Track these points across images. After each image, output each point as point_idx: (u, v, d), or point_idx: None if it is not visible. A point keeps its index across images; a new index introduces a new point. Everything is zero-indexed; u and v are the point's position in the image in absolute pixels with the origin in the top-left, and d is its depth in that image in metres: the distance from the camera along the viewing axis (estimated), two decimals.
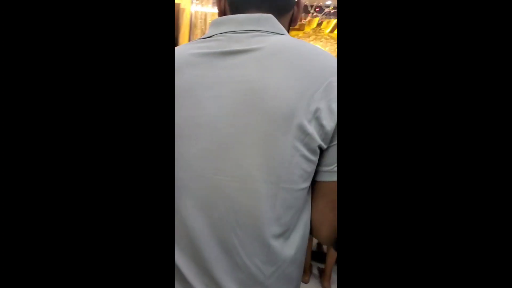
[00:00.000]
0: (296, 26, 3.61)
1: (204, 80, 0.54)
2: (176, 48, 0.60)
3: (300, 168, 0.52)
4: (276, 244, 0.54)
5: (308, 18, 3.59)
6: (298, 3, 0.63)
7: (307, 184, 0.55)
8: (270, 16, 0.57)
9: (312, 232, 0.61)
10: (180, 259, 0.56)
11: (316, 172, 0.56)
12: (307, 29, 3.78)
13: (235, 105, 0.52)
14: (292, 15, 0.63)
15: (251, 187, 0.52)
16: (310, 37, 3.78)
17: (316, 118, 0.51)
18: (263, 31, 0.56)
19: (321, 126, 0.51)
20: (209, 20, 3.57)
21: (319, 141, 0.52)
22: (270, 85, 0.51)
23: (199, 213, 0.54)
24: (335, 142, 0.53)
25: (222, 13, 0.64)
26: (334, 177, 0.55)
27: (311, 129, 0.51)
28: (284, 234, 0.55)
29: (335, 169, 0.54)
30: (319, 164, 0.55)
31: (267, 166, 0.51)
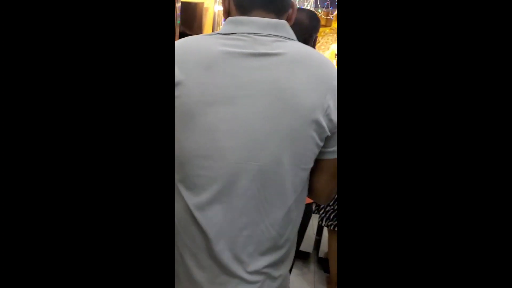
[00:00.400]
0: (323, 22, 3.53)
1: (238, 79, 0.64)
2: (200, 37, 0.69)
3: (313, 152, 0.69)
4: (290, 211, 0.70)
5: (335, 12, 3.44)
6: (292, 5, 0.73)
7: (313, 163, 0.72)
8: (285, 22, 0.69)
9: (315, 198, 0.81)
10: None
11: (320, 153, 0.71)
12: (334, 24, 3.64)
13: (268, 104, 0.64)
14: (288, 15, 0.74)
15: (279, 170, 0.66)
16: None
17: (327, 114, 0.66)
18: (280, 37, 0.67)
19: (330, 120, 0.66)
20: None
21: (327, 132, 0.67)
22: (295, 87, 0.64)
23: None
24: (335, 130, 0.69)
25: (227, 12, 0.72)
26: (335, 155, 0.71)
27: (324, 122, 0.66)
28: (295, 201, 0.71)
29: (336, 149, 0.71)
30: (323, 146, 0.70)
31: (293, 153, 0.66)
